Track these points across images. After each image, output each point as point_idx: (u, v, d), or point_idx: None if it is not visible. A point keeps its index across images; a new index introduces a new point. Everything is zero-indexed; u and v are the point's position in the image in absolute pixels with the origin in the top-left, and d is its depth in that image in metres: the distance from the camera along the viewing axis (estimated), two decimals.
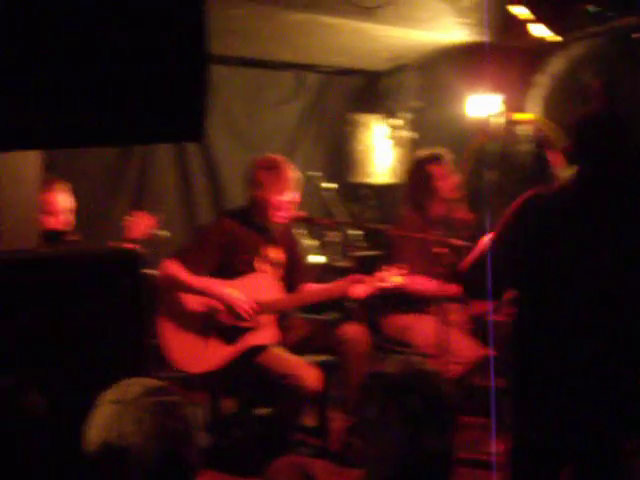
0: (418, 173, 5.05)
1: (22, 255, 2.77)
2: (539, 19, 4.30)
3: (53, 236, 3.11)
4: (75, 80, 2.18)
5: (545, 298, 3.00)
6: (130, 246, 4.51)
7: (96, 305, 2.81)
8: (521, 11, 4.33)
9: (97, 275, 2.81)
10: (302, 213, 4.71)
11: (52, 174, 4.11)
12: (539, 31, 4.50)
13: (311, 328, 4.70)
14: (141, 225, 4.62)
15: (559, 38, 4.58)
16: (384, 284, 4.40)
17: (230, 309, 4.29)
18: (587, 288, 2.93)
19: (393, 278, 4.40)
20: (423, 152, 5.22)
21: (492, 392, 4.26)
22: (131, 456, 1.90)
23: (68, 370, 2.73)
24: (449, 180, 5.02)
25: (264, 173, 4.43)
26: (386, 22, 5.47)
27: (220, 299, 4.30)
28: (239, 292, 4.31)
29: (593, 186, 2.98)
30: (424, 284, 4.69)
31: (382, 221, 7.13)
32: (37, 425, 1.97)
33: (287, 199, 4.44)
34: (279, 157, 4.57)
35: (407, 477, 1.87)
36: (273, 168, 4.46)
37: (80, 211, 5.73)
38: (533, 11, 4.23)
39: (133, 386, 2.01)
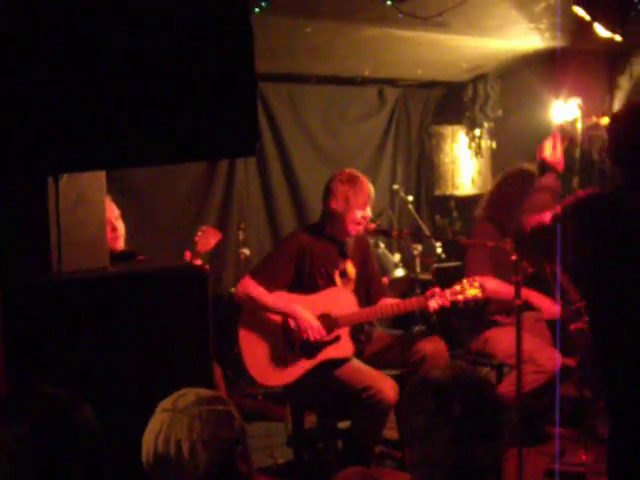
0: (511, 185, 4.93)
1: (93, 274, 2.87)
2: (595, 18, 4.21)
3: (122, 257, 3.21)
4: (133, 101, 2.26)
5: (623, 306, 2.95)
6: (199, 261, 4.62)
7: (165, 321, 2.90)
8: (581, 12, 4.25)
9: (165, 291, 2.89)
10: (374, 225, 4.72)
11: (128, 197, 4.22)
12: (605, 32, 4.40)
13: (390, 342, 4.70)
14: (210, 239, 4.72)
15: (621, 38, 4.47)
16: (460, 297, 4.36)
17: (301, 329, 4.36)
18: None
19: (469, 291, 4.36)
20: (525, 167, 5.04)
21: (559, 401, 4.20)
22: (182, 464, 1.95)
23: (139, 384, 2.82)
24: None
25: (342, 187, 4.46)
26: (458, 32, 5.46)
27: (293, 318, 4.37)
28: (311, 314, 4.36)
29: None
30: (502, 289, 4.64)
31: (465, 233, 7.10)
32: (87, 439, 2.03)
33: (362, 214, 4.46)
34: (356, 171, 4.60)
35: None
36: (351, 181, 4.49)
37: (168, 229, 5.95)
38: (589, 11, 4.14)
39: (186, 395, 2.06)
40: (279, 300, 4.39)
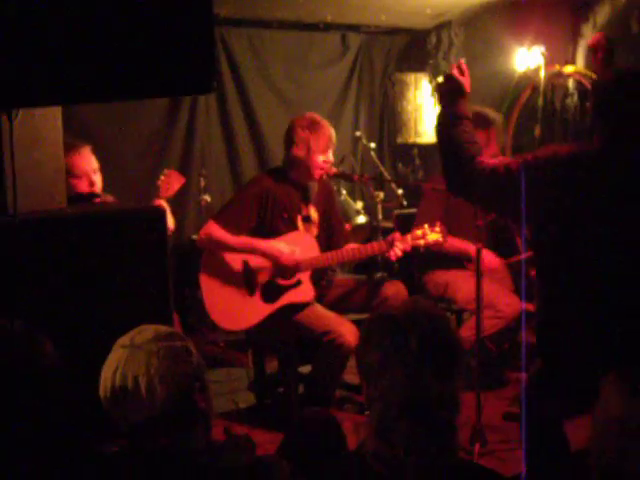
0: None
1: (47, 215, 2.84)
2: None
3: (81, 199, 3.16)
4: (85, 35, 2.22)
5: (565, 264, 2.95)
6: (162, 204, 4.57)
7: (122, 261, 2.88)
8: None
9: (122, 232, 2.86)
10: (335, 169, 4.71)
11: (86, 139, 4.17)
12: None
13: (352, 287, 4.71)
14: (173, 183, 4.67)
15: None
16: (422, 241, 4.37)
17: (275, 263, 4.35)
18: (602, 255, 2.88)
19: (431, 235, 4.37)
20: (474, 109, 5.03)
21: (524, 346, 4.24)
22: (139, 399, 1.95)
23: (96, 325, 2.80)
24: (492, 147, 4.89)
25: (303, 132, 4.44)
26: None
27: (265, 254, 4.35)
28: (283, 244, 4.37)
29: (610, 150, 2.92)
30: (460, 244, 4.67)
31: (427, 181, 7.11)
32: (48, 373, 2.02)
33: (324, 158, 4.45)
34: (317, 116, 4.57)
35: (409, 419, 1.85)
36: (312, 126, 4.46)
37: (128, 174, 5.87)
38: None
39: (144, 331, 2.06)
40: (243, 239, 4.38)
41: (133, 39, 2.27)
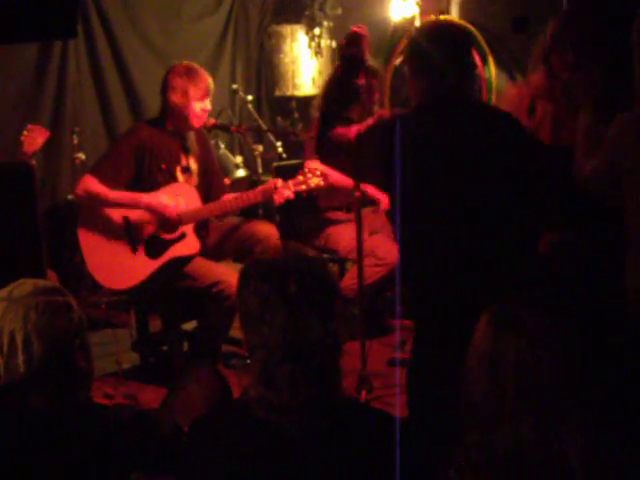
0: (347, 78, 4.89)
1: None
2: None
3: None
4: None
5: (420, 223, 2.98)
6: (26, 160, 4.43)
7: None
8: None
9: None
10: (213, 120, 4.64)
11: None
12: None
13: (225, 231, 4.64)
14: (37, 138, 4.53)
15: None
16: (304, 187, 4.34)
17: (158, 216, 4.25)
18: (456, 211, 2.92)
19: (312, 180, 4.35)
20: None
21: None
22: (15, 355, 1.87)
23: None
24: (373, 96, 4.90)
25: (180, 80, 4.33)
26: None
27: (148, 207, 4.25)
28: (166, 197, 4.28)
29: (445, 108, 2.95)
30: (343, 179, 4.66)
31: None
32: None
33: (202, 106, 4.36)
34: (194, 64, 4.48)
35: (292, 362, 1.83)
36: (189, 73, 4.36)
37: None
38: None
39: (23, 285, 1.99)
40: (124, 193, 4.25)
41: None
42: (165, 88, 4.37)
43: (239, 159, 6.33)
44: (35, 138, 4.48)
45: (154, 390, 4.24)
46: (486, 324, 1.82)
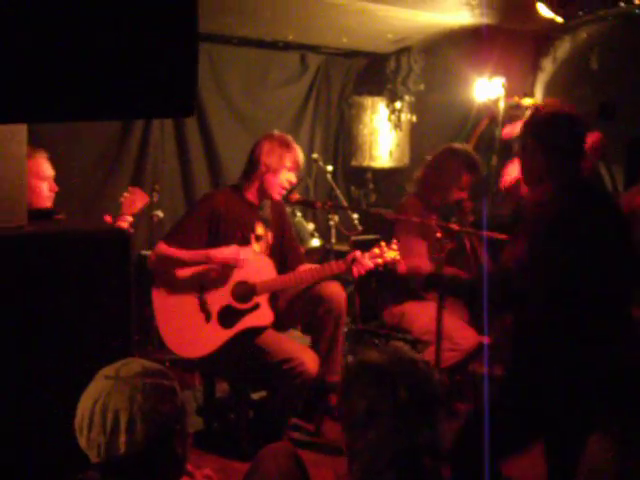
0: (447, 168, 4.87)
1: (9, 233, 2.71)
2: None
3: (40, 215, 3.03)
4: (63, 52, 2.11)
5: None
6: (124, 223, 4.45)
7: (84, 284, 2.76)
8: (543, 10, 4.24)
9: (86, 254, 2.75)
10: (298, 195, 4.65)
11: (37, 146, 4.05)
12: (547, 12, 4.40)
13: (291, 297, 4.60)
14: (137, 202, 4.55)
15: (561, 20, 4.47)
16: (380, 260, 4.32)
17: (232, 286, 4.27)
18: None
19: (388, 253, 4.33)
20: (461, 149, 5.01)
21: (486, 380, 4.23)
22: (117, 435, 1.85)
23: (55, 349, 2.69)
24: (467, 193, 4.88)
25: (275, 146, 4.35)
26: (391, 3, 5.39)
27: (220, 260, 4.22)
28: (229, 285, 4.28)
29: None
30: (418, 268, 4.64)
31: (380, 205, 7.08)
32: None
33: (289, 177, 4.37)
34: (286, 135, 4.49)
35: (397, 470, 1.79)
36: (284, 143, 4.38)
37: (79, 187, 5.72)
38: None
39: (131, 364, 1.98)
40: (194, 252, 4.24)
41: (113, 55, 2.17)
42: (258, 151, 4.37)
43: (311, 226, 6.33)
44: (134, 201, 4.50)
45: (215, 460, 4.19)
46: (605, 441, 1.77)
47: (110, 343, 2.78)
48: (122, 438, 1.84)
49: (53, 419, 2.47)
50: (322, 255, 6.09)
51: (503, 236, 3.87)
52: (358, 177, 7.38)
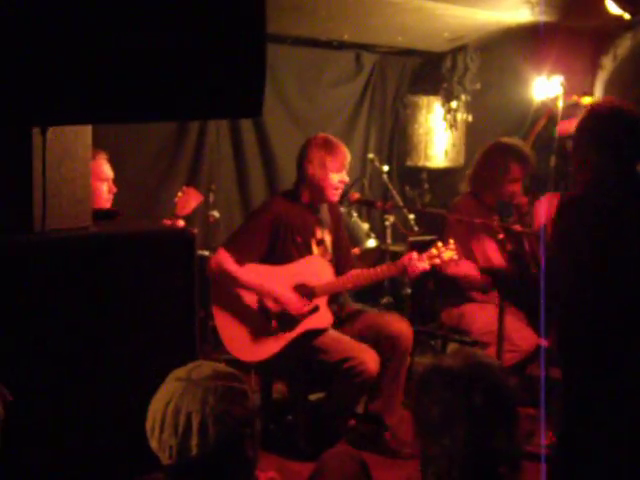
0: (495, 162, 4.82)
1: (77, 234, 2.73)
2: None
3: (104, 215, 3.05)
4: (134, 54, 2.11)
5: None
6: (180, 223, 4.48)
7: (150, 284, 2.78)
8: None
9: (152, 255, 2.76)
10: (358, 195, 4.62)
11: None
12: (615, 9, 4.32)
13: (356, 313, 4.60)
14: (191, 201, 4.57)
15: (629, 17, 4.39)
16: (437, 260, 4.29)
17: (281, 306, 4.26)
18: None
19: (446, 253, 4.29)
20: (509, 142, 4.96)
21: (544, 382, 4.18)
22: (189, 437, 1.84)
23: (120, 349, 2.71)
24: (519, 185, 4.81)
25: (317, 151, 4.35)
26: (450, 1, 5.33)
27: (270, 297, 4.25)
28: (285, 288, 4.27)
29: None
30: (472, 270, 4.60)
31: (435, 205, 7.03)
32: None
33: (340, 178, 4.36)
34: (331, 136, 4.49)
35: (471, 477, 1.77)
36: (327, 145, 4.38)
37: (135, 188, 5.75)
38: None
39: (202, 367, 1.98)
40: (255, 278, 4.26)
41: (184, 58, 2.17)
42: (303, 160, 4.39)
43: (366, 226, 6.30)
44: (189, 201, 4.53)
45: (273, 460, 4.18)
46: None
47: (176, 343, 2.79)
48: (194, 440, 1.83)
49: (121, 420, 2.48)
50: (377, 256, 6.05)
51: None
52: (413, 177, 7.32)
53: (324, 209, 4.55)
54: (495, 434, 1.77)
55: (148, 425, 1.90)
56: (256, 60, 2.24)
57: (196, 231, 2.93)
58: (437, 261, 4.30)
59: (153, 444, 1.89)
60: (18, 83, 2.06)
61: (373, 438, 4.46)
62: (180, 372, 1.93)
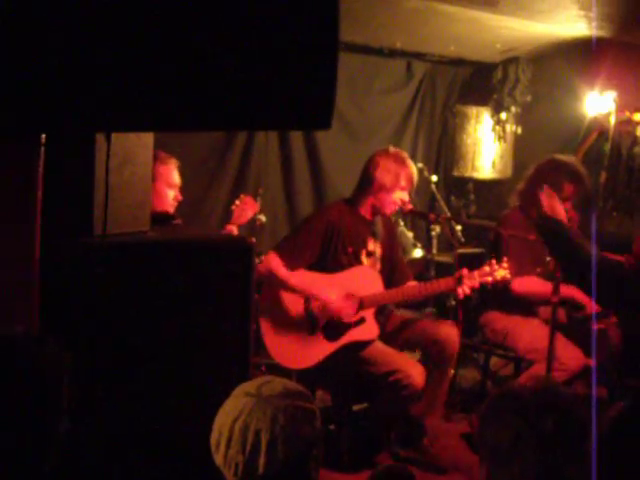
0: (549, 179, 4.75)
1: (137, 239, 2.72)
2: None
3: (161, 220, 3.05)
4: (204, 62, 2.10)
5: None
6: (233, 230, 4.47)
7: (208, 291, 2.76)
8: None
9: (212, 263, 2.75)
10: (411, 206, 4.58)
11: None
12: None
13: (402, 323, 4.56)
14: (248, 211, 4.55)
15: None
16: (489, 278, 4.23)
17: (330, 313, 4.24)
18: None
19: (498, 272, 4.24)
20: (565, 159, 4.86)
21: (594, 402, 4.11)
22: (257, 455, 1.82)
23: (176, 353, 2.70)
24: (569, 204, 4.74)
25: (391, 163, 4.31)
26: (504, 12, 5.29)
27: (320, 301, 4.22)
28: (337, 294, 4.23)
29: None
30: (533, 286, 4.54)
31: (480, 216, 6.98)
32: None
33: (402, 196, 4.33)
34: (401, 152, 4.45)
35: None
36: (400, 160, 4.34)
37: (182, 191, 5.75)
38: None
39: (272, 383, 1.94)
40: (304, 283, 4.23)
41: (255, 71, 2.15)
42: (374, 168, 4.33)
43: (410, 235, 6.26)
44: (245, 210, 4.51)
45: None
46: None
47: (230, 352, 2.78)
48: (262, 459, 1.80)
49: (177, 432, 2.47)
50: (423, 265, 6.02)
51: (618, 256, 3.75)
52: (459, 187, 7.28)
53: (378, 221, 4.51)
54: (566, 463, 1.73)
55: (213, 439, 1.88)
56: (328, 71, 2.21)
57: (254, 240, 2.89)
58: (489, 279, 4.24)
59: (218, 459, 1.86)
60: (88, 88, 2.05)
61: (412, 442, 4.43)
62: (250, 387, 1.91)
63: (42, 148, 2.39)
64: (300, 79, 2.21)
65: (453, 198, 7.28)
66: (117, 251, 2.59)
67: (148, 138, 2.84)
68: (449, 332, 4.38)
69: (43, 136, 2.43)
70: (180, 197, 4.19)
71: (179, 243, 2.83)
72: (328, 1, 2.21)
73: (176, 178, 4.19)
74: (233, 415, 1.85)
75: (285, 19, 2.17)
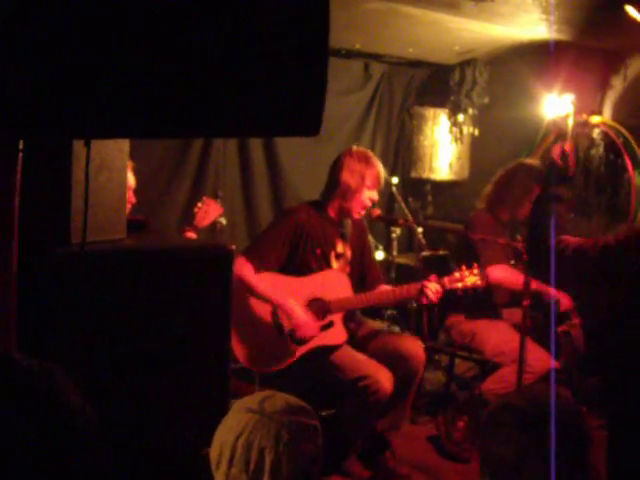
0: (518, 182, 4.80)
1: (115, 247, 2.66)
2: None
3: (134, 226, 2.96)
4: (193, 68, 2.04)
5: None
6: (192, 235, 4.39)
7: (187, 298, 2.71)
8: (634, 12, 4.16)
9: (192, 270, 2.70)
10: (379, 211, 4.56)
11: None
12: (636, 14, 4.33)
13: (371, 332, 4.54)
14: (210, 213, 4.48)
15: None
16: (460, 284, 4.22)
17: (309, 303, 4.20)
18: None
19: (469, 278, 4.23)
20: (533, 163, 5.02)
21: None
22: (260, 473, 1.77)
23: (155, 363, 2.64)
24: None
25: (357, 164, 4.28)
26: (465, 15, 5.28)
27: (285, 312, 4.17)
28: (302, 305, 4.20)
29: None
30: (507, 274, 4.56)
31: (437, 218, 7.01)
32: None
33: (371, 195, 4.30)
34: (366, 151, 4.42)
35: None
36: (365, 160, 4.31)
37: (139, 193, 5.65)
38: None
39: (274, 398, 1.90)
40: (274, 290, 4.18)
41: (243, 77, 2.10)
42: (339, 169, 4.30)
43: (370, 237, 6.25)
44: (209, 212, 4.44)
45: None
46: None
47: (209, 358, 2.73)
48: (266, 478, 1.75)
49: (163, 441, 2.41)
50: (384, 267, 6.00)
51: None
52: (416, 189, 7.29)
53: (348, 224, 4.49)
54: (571, 475, 1.73)
55: (213, 457, 1.83)
56: (317, 79, 2.18)
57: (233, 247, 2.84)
58: (459, 285, 4.23)
59: (219, 477, 1.81)
60: (68, 93, 1.98)
61: (374, 456, 4.41)
62: (251, 402, 1.86)
63: (20, 154, 2.30)
64: (290, 85, 2.18)
65: (411, 199, 7.28)
66: (97, 260, 2.52)
67: (124, 143, 2.78)
68: (413, 349, 4.35)
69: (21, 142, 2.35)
70: (134, 199, 4.07)
71: (159, 251, 2.77)
72: (319, 6, 2.17)
73: (129, 179, 4.10)
74: (235, 432, 1.80)
75: (276, 24, 2.13)
